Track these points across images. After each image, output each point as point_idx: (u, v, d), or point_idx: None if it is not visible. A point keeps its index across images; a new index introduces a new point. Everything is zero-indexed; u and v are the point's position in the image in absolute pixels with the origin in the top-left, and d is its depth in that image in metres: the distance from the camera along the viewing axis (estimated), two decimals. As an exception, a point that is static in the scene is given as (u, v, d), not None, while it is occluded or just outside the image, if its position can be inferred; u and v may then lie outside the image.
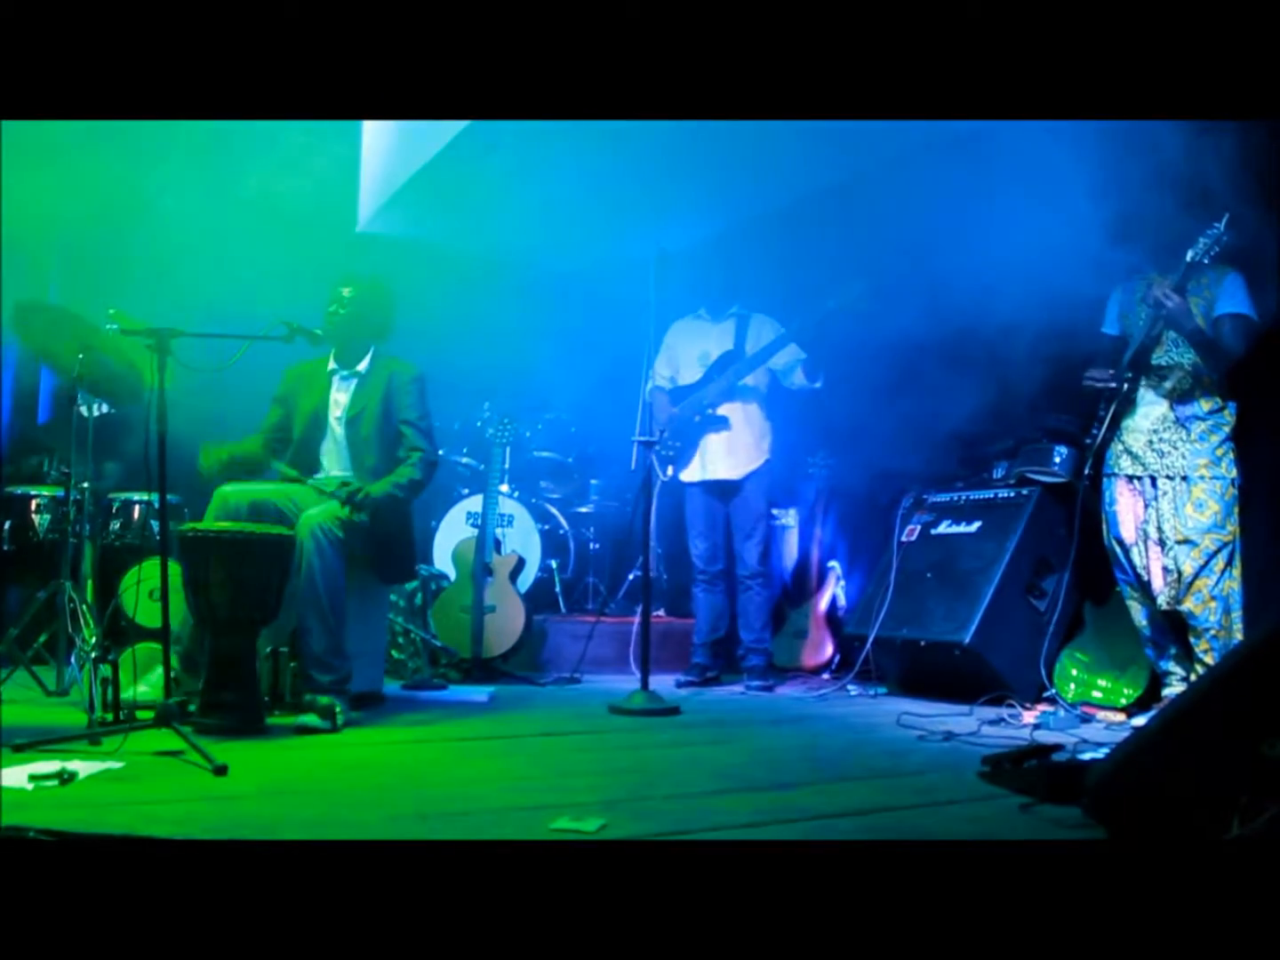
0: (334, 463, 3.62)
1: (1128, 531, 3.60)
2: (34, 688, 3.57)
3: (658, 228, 4.52)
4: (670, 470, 4.62)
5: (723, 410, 4.54)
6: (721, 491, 4.60)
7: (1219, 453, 3.43)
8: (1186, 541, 3.42)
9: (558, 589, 5.44)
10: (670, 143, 4.50)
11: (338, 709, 3.06)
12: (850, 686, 4.43)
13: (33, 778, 2.16)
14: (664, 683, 4.32)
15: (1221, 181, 3.26)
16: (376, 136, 5.96)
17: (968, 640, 3.92)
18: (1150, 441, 3.53)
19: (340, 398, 3.63)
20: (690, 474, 4.61)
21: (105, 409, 3.86)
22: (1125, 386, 3.56)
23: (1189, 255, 3.31)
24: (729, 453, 4.53)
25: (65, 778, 2.19)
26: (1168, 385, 3.52)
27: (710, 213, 5.69)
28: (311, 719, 3.00)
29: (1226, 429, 3.45)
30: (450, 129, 4.86)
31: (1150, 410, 3.55)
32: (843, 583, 5.29)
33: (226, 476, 3.44)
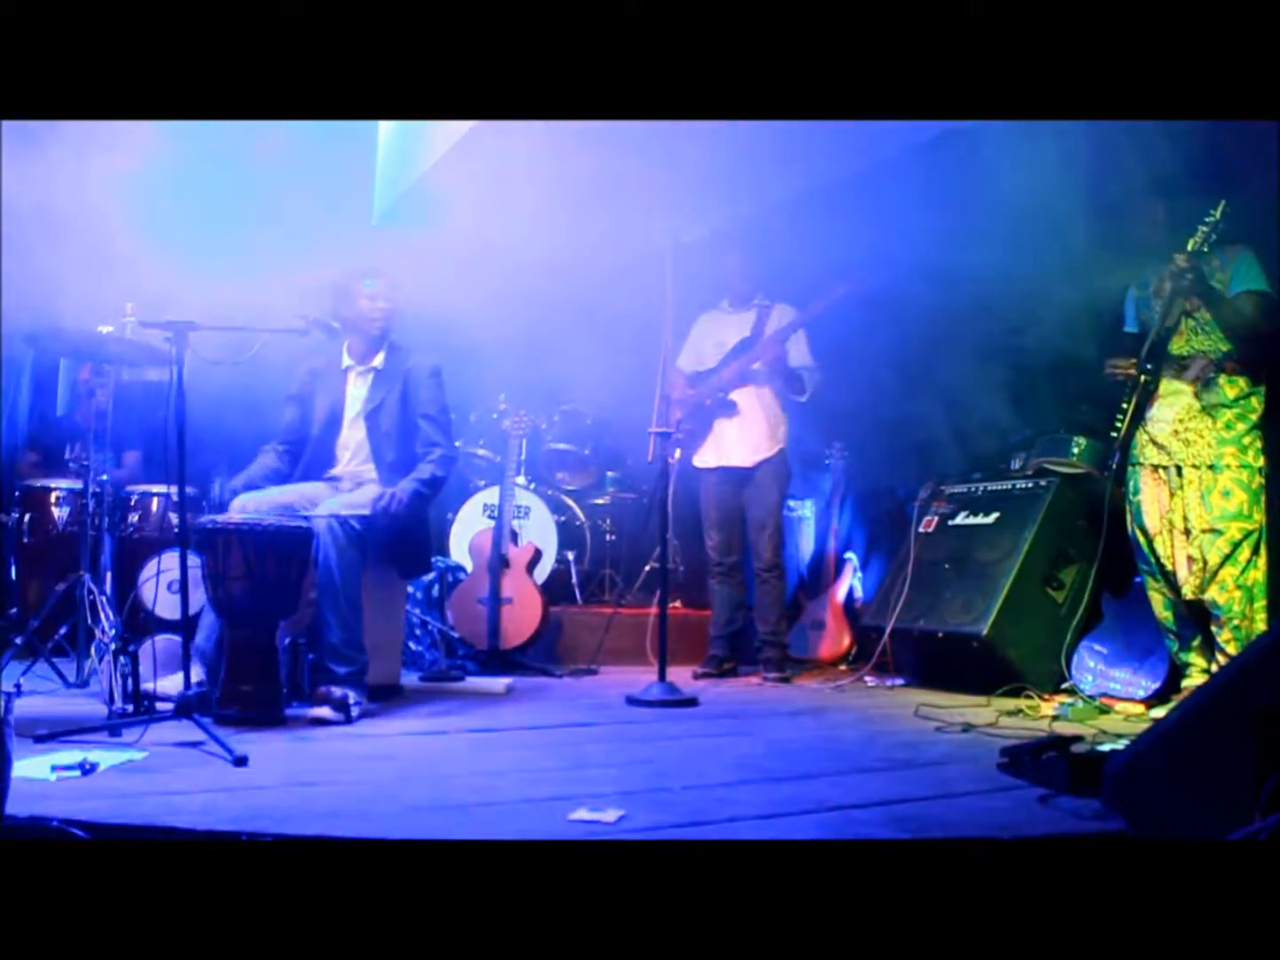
0: (352, 459, 3.60)
1: (1152, 521, 3.57)
2: (54, 679, 3.60)
3: (674, 218, 4.49)
4: (679, 453, 4.59)
5: (735, 395, 4.54)
6: (735, 481, 4.57)
7: (1246, 441, 3.39)
8: (1212, 530, 3.38)
9: (574, 580, 5.45)
10: (686, 133, 4.47)
11: (351, 700, 3.07)
12: (867, 678, 4.41)
13: (55, 768, 2.17)
14: (681, 674, 4.32)
15: (1219, 167, 3.25)
16: (391, 130, 5.96)
17: (985, 631, 3.90)
18: (1176, 430, 3.49)
19: (358, 393, 3.63)
20: (704, 459, 4.60)
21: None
22: (1146, 377, 3.53)
23: (1189, 246, 3.33)
24: (742, 439, 4.52)
25: (87, 768, 2.20)
26: (1191, 374, 3.48)
27: (726, 203, 5.66)
28: (325, 711, 3.01)
29: (1254, 417, 3.41)
30: (464, 122, 4.85)
31: (1175, 399, 3.52)
32: (860, 574, 5.27)
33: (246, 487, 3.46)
